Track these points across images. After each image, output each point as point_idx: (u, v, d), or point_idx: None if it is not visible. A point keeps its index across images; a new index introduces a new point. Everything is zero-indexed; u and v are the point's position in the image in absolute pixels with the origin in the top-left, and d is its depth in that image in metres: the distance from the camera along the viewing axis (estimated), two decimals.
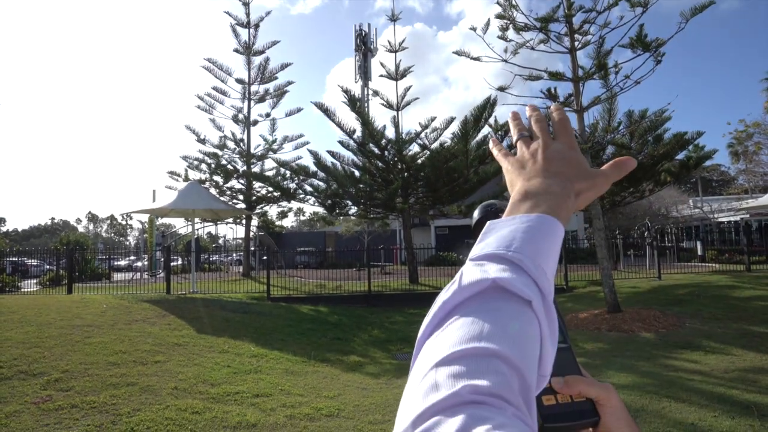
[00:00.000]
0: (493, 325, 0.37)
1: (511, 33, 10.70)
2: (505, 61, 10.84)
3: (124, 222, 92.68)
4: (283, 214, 23.32)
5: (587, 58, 10.74)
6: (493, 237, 0.45)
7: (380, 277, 16.84)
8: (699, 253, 21.15)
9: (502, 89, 11.56)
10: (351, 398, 5.52)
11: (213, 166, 17.44)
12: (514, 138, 0.58)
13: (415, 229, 24.24)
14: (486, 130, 14.78)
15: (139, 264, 22.69)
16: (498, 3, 10.35)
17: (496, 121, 13.00)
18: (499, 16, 10.36)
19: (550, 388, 0.49)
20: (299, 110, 18.19)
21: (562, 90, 13.61)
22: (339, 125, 13.89)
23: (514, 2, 10.14)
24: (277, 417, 4.80)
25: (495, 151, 0.60)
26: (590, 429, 0.49)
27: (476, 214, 0.74)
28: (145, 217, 28.42)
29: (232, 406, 5.08)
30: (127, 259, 29.46)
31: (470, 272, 0.41)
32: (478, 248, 0.45)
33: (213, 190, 17.25)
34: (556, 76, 10.97)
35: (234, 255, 29.71)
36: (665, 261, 17.65)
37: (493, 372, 0.33)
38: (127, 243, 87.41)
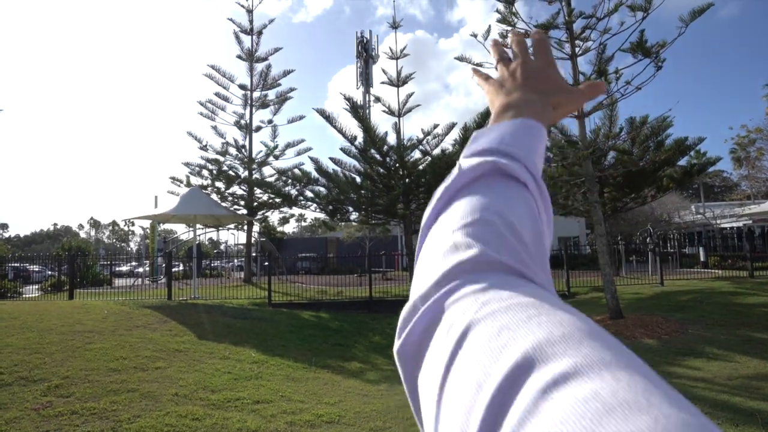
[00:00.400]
0: (501, 200, 0.38)
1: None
2: None
3: (126, 228, 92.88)
4: (284, 220, 23.35)
5: (588, 64, 10.78)
6: (482, 139, 0.46)
7: (381, 283, 16.81)
8: (701, 259, 21.07)
9: None
10: (352, 405, 5.50)
11: (215, 172, 17.48)
12: (495, 61, 0.58)
13: (417, 235, 24.19)
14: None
15: (141, 270, 22.72)
16: (498, 11, 10.41)
17: None
18: (500, 22, 10.42)
19: None
20: (301, 117, 18.28)
21: None
22: (341, 132, 13.93)
23: (514, 9, 10.18)
24: (278, 423, 4.78)
25: (476, 79, 0.61)
26: None
27: None
28: (147, 223, 28.46)
29: (232, 413, 5.06)
30: (129, 264, 29.49)
31: (469, 161, 0.43)
32: (469, 149, 0.46)
33: (214, 196, 17.28)
34: None
35: (235, 261, 29.72)
36: (668, 267, 17.58)
37: (506, 240, 0.35)
38: (129, 249, 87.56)
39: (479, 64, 11.34)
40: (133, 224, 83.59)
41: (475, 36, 10.62)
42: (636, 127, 14.41)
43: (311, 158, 14.70)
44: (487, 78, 0.58)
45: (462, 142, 14.29)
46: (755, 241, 21.96)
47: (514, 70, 0.55)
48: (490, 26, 10.41)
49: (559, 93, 0.53)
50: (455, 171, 0.43)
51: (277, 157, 18.12)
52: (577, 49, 10.55)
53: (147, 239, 31.30)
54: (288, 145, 18.04)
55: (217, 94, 17.97)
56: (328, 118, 13.42)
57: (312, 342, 9.30)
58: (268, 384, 6.27)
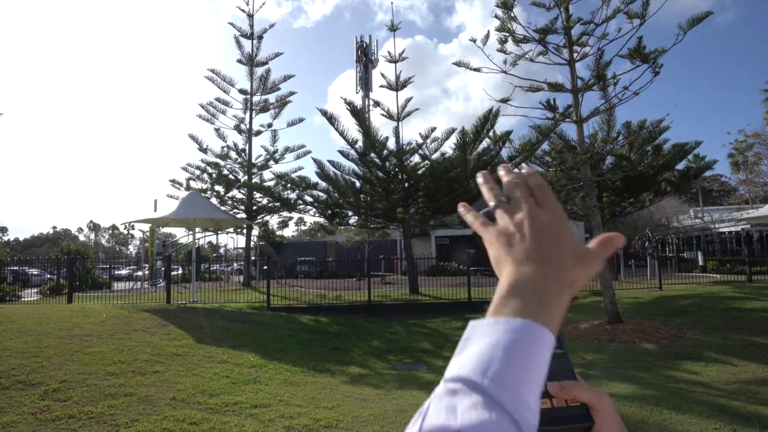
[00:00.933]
0: None
1: (510, 45, 10.79)
2: (505, 72, 10.92)
3: (125, 231, 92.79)
4: (283, 224, 23.35)
5: (586, 69, 10.83)
6: (471, 350, 0.39)
7: (380, 287, 16.80)
8: (700, 263, 21.08)
9: (504, 101, 11.63)
10: (350, 409, 5.48)
11: (214, 175, 17.51)
12: (491, 204, 0.50)
13: (416, 239, 24.22)
14: (486, 141, 14.84)
15: (140, 273, 22.69)
16: (497, 16, 10.46)
17: (494, 133, 13.07)
18: (498, 29, 10.47)
19: (546, 392, 0.47)
20: (301, 120, 18.32)
21: (561, 101, 13.69)
22: (342, 134, 13.98)
23: (512, 14, 10.24)
24: (276, 428, 4.77)
25: (470, 219, 0.52)
26: None
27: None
28: (147, 227, 28.45)
29: (230, 417, 5.05)
30: (128, 268, 29.45)
31: (435, 413, 0.36)
32: (455, 363, 0.39)
33: (214, 200, 17.30)
34: (555, 87, 11.04)
35: (234, 264, 29.69)
36: (666, 271, 17.59)
37: None
38: (128, 252, 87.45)
39: (477, 69, 11.39)
40: (132, 228, 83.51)
41: (474, 41, 10.67)
42: (633, 132, 14.45)
43: (314, 159, 14.73)
44: (485, 223, 0.50)
45: (461, 147, 14.33)
46: (753, 245, 21.96)
47: (520, 223, 0.47)
48: (489, 32, 10.45)
49: (576, 264, 0.45)
50: (417, 423, 0.36)
51: (276, 161, 18.16)
52: (575, 55, 10.59)
53: (146, 243, 31.28)
54: (288, 150, 18.08)
55: (217, 99, 18.05)
56: (331, 119, 13.47)
57: (310, 346, 9.28)
58: (266, 388, 6.25)
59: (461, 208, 0.54)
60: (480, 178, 0.54)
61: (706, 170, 16.84)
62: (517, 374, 0.37)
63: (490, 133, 14.43)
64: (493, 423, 0.34)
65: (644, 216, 23.79)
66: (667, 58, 9.58)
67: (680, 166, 16.05)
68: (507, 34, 10.52)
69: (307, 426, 4.84)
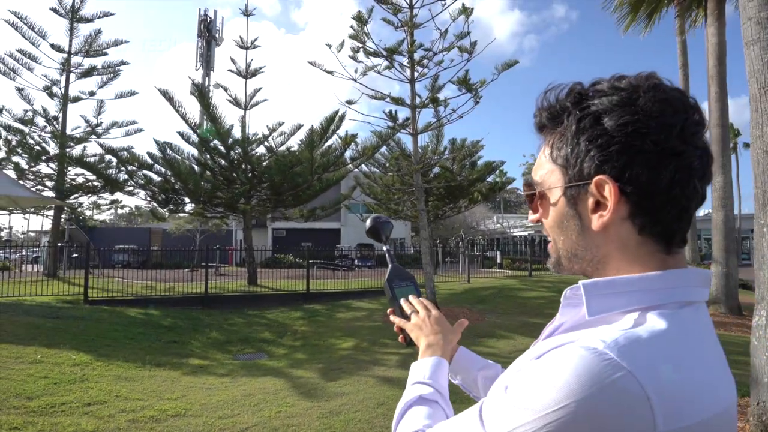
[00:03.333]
0: (426, 415, 0.79)
1: (361, 55, 11.69)
2: (354, 80, 11.78)
3: None
4: (97, 206, 20.64)
5: (424, 89, 12.33)
6: (416, 371, 0.88)
7: (215, 279, 16.24)
8: (498, 261, 25.46)
9: (350, 103, 12.48)
10: (196, 398, 5.55)
11: (13, 143, 14.60)
12: (409, 312, 1.01)
13: (253, 231, 23.80)
14: (332, 139, 15.54)
15: None
16: (352, 27, 11.23)
17: (347, 134, 13.89)
18: (352, 38, 11.25)
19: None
20: (133, 93, 16.45)
21: (401, 114, 15.18)
22: (183, 118, 13.10)
23: (366, 30, 11.12)
24: (118, 422, 4.63)
25: (397, 321, 1.03)
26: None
27: (368, 223, 1.21)
28: None
29: (60, 418, 4.68)
30: None
31: (409, 393, 0.84)
32: (411, 378, 0.88)
33: (11, 173, 14.47)
34: (397, 101, 12.33)
35: (26, 251, 24.91)
36: (474, 267, 20.85)
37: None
38: None
39: (330, 72, 12.02)
40: None
41: (329, 46, 11.26)
42: (457, 148, 16.87)
43: (156, 141, 13.45)
44: (405, 322, 1.00)
45: (308, 144, 14.79)
46: (535, 247, 27.40)
47: (425, 318, 0.98)
48: (344, 40, 11.12)
49: (450, 333, 0.97)
50: (402, 399, 0.84)
51: (99, 135, 15.97)
52: (416, 74, 12.00)
53: None
54: (115, 124, 16.08)
55: (21, 50, 15.01)
56: (171, 100, 12.53)
57: (142, 340, 8.72)
58: (97, 386, 5.84)
59: (391, 316, 1.06)
60: (402, 301, 1.05)
61: (508, 185, 20.53)
62: (436, 375, 0.87)
63: (336, 134, 15.20)
64: (431, 393, 0.83)
65: (459, 219, 27.61)
66: (487, 90, 11.56)
67: (489, 179, 19.27)
68: (360, 45, 11.38)
69: (153, 417, 4.80)
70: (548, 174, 0.69)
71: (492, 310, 11.04)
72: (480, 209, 29.73)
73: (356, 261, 24.92)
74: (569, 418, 0.49)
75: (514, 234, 32.66)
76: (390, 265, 1.12)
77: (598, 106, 0.62)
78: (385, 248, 1.18)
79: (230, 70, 16.54)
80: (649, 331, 0.55)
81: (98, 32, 15.54)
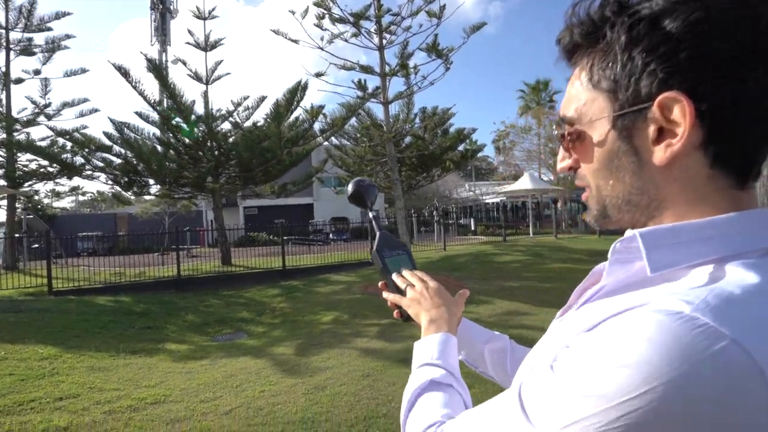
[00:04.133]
0: (441, 402, 0.68)
1: (327, 22, 11.24)
2: (321, 48, 11.36)
3: None
4: (56, 194, 19.68)
5: (393, 57, 12.00)
6: (421, 352, 0.77)
7: (187, 261, 15.83)
8: (472, 228, 25.76)
9: (318, 75, 12.07)
10: (176, 383, 5.39)
11: None
12: (402, 287, 0.88)
13: (224, 210, 23.21)
14: (300, 110, 15.08)
15: None
16: None
17: (312, 107, 13.45)
18: (316, 4, 10.76)
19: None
20: (84, 71, 15.40)
21: (371, 83, 14.79)
22: (141, 95, 12.39)
23: None
24: (93, 415, 4.44)
25: (390, 297, 0.90)
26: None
27: (350, 187, 1.06)
28: None
29: (30, 415, 4.46)
30: None
31: (417, 377, 0.73)
32: (417, 360, 0.77)
33: None
34: (366, 69, 11.99)
35: None
36: (449, 235, 21.03)
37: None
38: None
39: (295, 41, 11.53)
40: None
41: (293, 13, 10.76)
42: (428, 116, 16.67)
43: (111, 120, 12.70)
44: (401, 297, 0.88)
45: (274, 117, 14.31)
46: (507, 213, 27.83)
47: (422, 291, 0.85)
48: (308, 7, 10.65)
49: (453, 304, 0.84)
50: (410, 385, 0.73)
51: (50, 117, 15.01)
52: (384, 41, 11.65)
53: None
54: (66, 104, 15.11)
55: None
56: (127, 76, 11.80)
57: (114, 329, 8.42)
58: (69, 379, 5.59)
59: (385, 294, 0.93)
60: (393, 276, 0.92)
61: (479, 152, 20.55)
62: (445, 354, 0.76)
63: (305, 106, 14.75)
64: (443, 375, 0.72)
65: (433, 189, 27.66)
66: (457, 56, 11.34)
67: (460, 148, 19.22)
68: (325, 11, 10.92)
69: (131, 406, 4.63)
70: (588, 105, 0.54)
71: (469, 276, 11.15)
72: (452, 178, 29.82)
73: (331, 235, 24.76)
74: (656, 406, 0.37)
75: (487, 201, 33.03)
76: (378, 233, 0.98)
77: (652, 7, 0.48)
78: (370, 215, 1.04)
79: (188, 43, 15.68)
80: (740, 286, 0.42)
81: (33, 2, 14.33)
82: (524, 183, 21.13)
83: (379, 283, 0.97)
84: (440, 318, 0.81)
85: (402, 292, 0.89)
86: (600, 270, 0.60)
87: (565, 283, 9.74)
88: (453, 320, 0.83)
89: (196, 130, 13.89)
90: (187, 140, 14.36)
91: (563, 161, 0.61)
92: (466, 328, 0.93)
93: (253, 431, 3.94)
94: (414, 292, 0.86)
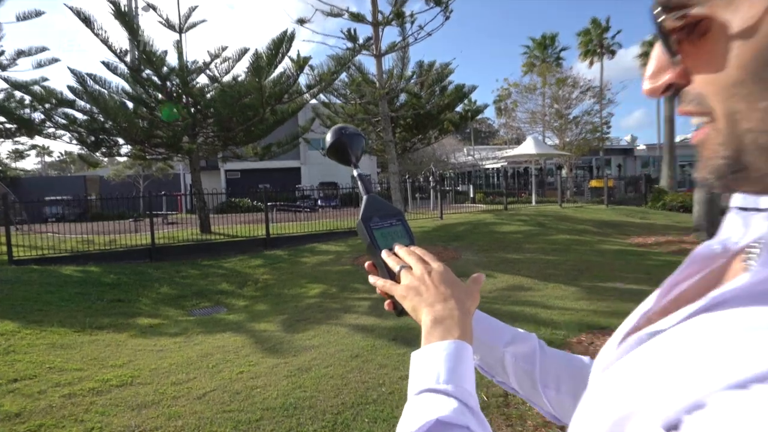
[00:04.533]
0: None
1: None
2: None
3: None
4: (18, 153, 19.05)
5: (387, 4, 11.37)
6: (423, 370, 0.56)
7: (163, 228, 15.50)
8: (471, 195, 25.53)
9: (302, 22, 11.46)
10: (145, 363, 5.18)
11: None
12: (396, 270, 0.68)
13: (204, 173, 22.73)
14: (284, 65, 14.44)
15: None
16: None
17: (298, 56, 12.82)
18: None
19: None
20: (39, 14, 14.50)
21: (363, 33, 14.14)
22: (105, 43, 11.69)
23: None
24: (51, 399, 4.22)
25: (379, 283, 0.70)
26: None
27: (329, 137, 0.83)
28: None
29: None
30: None
31: (416, 411, 0.52)
32: (416, 382, 0.56)
33: None
34: (357, 17, 11.38)
35: None
36: (446, 202, 20.80)
37: None
38: None
39: None
40: None
41: None
42: (425, 71, 16.09)
43: (71, 69, 12.04)
44: (393, 284, 0.67)
45: (256, 71, 13.68)
46: (509, 180, 27.57)
47: (422, 277, 0.65)
48: None
49: (467, 297, 0.64)
50: (407, 425, 0.51)
51: (4, 68, 14.27)
52: None
53: None
54: (22, 53, 14.33)
55: None
56: (88, 22, 11.08)
57: (81, 302, 8.17)
58: (26, 357, 5.36)
59: (372, 279, 0.73)
60: (384, 254, 0.72)
61: (479, 113, 20.03)
62: (457, 375, 0.54)
63: (288, 56, 14.08)
64: (454, 409, 0.51)
65: (428, 152, 27.23)
66: (457, 5, 10.78)
67: (459, 108, 18.70)
68: None
69: (93, 389, 4.42)
70: None
71: (467, 247, 10.96)
72: (450, 141, 29.37)
73: (319, 201, 24.45)
74: None
75: (487, 166, 32.69)
76: (365, 197, 0.78)
77: None
78: (355, 173, 0.83)
79: None
80: None
81: None
82: (527, 147, 20.79)
83: (366, 264, 0.77)
84: (449, 317, 0.60)
85: (395, 277, 0.69)
86: (708, 254, 0.41)
87: (571, 255, 9.57)
88: (466, 320, 0.61)
89: (169, 84, 13.28)
90: (159, 95, 13.75)
91: (660, 73, 0.36)
92: (480, 324, 0.76)
93: (228, 418, 3.75)
94: (411, 276, 0.66)
